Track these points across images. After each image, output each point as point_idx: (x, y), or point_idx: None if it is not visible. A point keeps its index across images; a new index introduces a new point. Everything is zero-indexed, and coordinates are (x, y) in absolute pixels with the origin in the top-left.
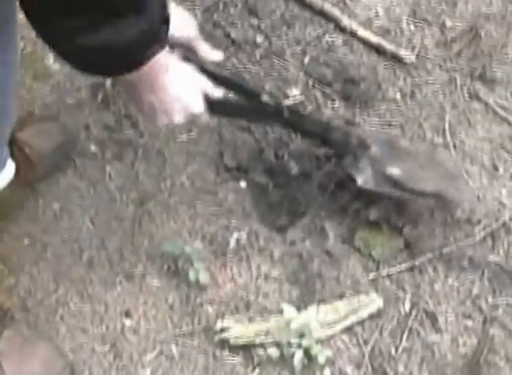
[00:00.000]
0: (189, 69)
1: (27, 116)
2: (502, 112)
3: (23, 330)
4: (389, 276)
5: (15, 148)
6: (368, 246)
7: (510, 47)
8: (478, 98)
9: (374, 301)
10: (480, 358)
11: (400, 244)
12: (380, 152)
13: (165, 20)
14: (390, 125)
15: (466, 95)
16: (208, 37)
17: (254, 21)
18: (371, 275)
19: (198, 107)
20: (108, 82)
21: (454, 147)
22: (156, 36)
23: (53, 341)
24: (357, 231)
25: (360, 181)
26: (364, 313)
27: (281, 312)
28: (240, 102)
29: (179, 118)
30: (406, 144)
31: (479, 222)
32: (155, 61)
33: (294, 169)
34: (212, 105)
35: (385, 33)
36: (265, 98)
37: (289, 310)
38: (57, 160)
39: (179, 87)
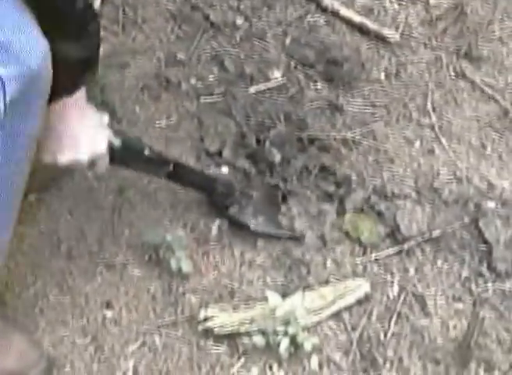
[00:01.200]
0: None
1: None
2: (489, 91)
3: None
4: (376, 260)
5: None
6: (356, 230)
7: (497, 24)
8: (465, 77)
9: (361, 286)
10: (470, 342)
11: (387, 228)
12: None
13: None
14: (375, 106)
15: (452, 74)
16: (186, 20)
17: (234, 2)
18: (358, 259)
19: (102, 146)
20: None
21: (440, 127)
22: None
23: (28, 331)
24: (344, 215)
25: (252, 226)
26: (351, 299)
27: (266, 299)
28: (136, 154)
29: (83, 154)
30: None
31: (468, 203)
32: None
33: (277, 155)
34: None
35: (368, 12)
36: (147, 152)
37: (273, 297)
38: (55, 172)
39: (91, 123)
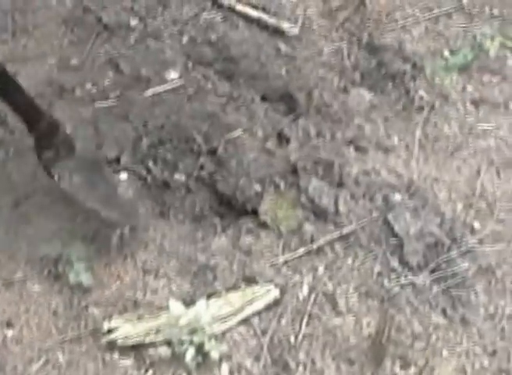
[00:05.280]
0: None
1: None
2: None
3: None
4: (285, 262)
5: None
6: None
7: (398, 13)
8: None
9: (270, 291)
10: (382, 339)
11: (296, 230)
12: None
13: None
14: (275, 101)
15: (353, 64)
16: (78, 23)
17: (127, 3)
18: (267, 262)
19: None
20: None
21: (340, 119)
22: None
23: None
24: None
25: (62, 183)
26: (260, 304)
27: None
28: None
29: None
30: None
31: (375, 196)
32: None
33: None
34: None
35: (265, 6)
36: None
37: (176, 306)
38: None
39: None
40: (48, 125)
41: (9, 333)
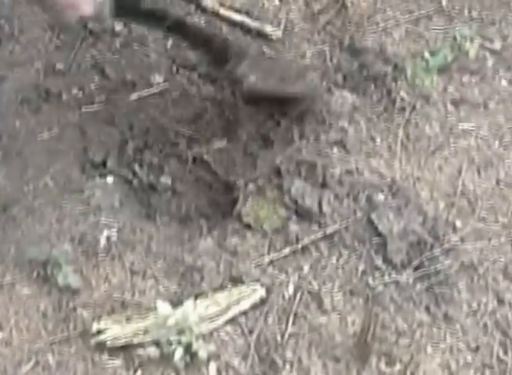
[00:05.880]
0: None
1: None
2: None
3: None
4: (271, 261)
5: None
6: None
7: (379, 15)
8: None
9: (256, 291)
10: (367, 336)
11: (281, 230)
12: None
13: None
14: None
15: (336, 67)
16: (64, 29)
17: None
18: (253, 263)
19: None
20: None
21: (324, 121)
22: None
23: None
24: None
25: (245, 84)
26: (246, 304)
27: None
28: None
29: (85, 7)
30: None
31: (359, 196)
32: None
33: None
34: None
35: (248, 10)
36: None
37: (163, 307)
38: None
39: None
40: (221, 43)
41: None
